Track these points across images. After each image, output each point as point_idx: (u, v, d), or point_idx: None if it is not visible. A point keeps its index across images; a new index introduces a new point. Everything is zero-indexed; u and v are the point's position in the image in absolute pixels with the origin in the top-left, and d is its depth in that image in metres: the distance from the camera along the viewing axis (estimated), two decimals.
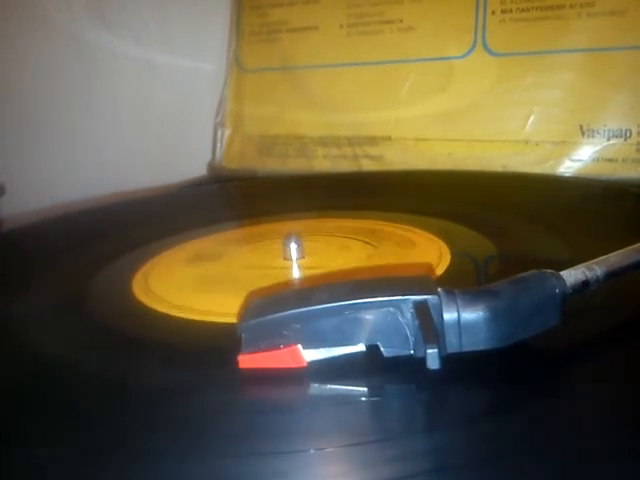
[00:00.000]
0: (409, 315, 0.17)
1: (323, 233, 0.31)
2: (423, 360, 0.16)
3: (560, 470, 0.13)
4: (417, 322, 0.17)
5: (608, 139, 0.39)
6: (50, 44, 0.56)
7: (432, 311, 0.17)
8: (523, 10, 0.42)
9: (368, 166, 0.47)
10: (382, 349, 0.17)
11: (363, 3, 0.47)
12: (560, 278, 0.18)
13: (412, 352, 0.17)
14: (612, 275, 0.18)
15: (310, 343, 0.17)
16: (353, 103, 0.47)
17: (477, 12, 0.43)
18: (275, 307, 0.18)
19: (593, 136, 0.40)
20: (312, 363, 0.17)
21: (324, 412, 0.16)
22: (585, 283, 0.18)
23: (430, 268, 0.25)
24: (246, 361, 0.18)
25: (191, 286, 0.26)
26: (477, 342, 0.17)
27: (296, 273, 0.26)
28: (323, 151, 0.48)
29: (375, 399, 0.17)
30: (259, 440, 0.15)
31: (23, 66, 0.57)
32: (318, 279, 0.25)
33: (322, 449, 0.15)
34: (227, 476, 0.14)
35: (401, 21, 0.46)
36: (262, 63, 0.51)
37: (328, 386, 0.17)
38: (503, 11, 0.42)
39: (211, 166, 0.54)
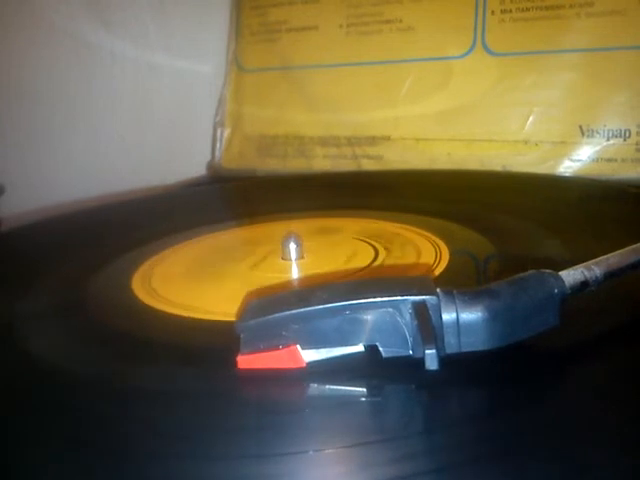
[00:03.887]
0: (408, 316, 0.17)
1: (322, 233, 0.31)
2: (422, 361, 0.16)
3: (559, 470, 0.13)
4: (416, 323, 0.17)
5: (608, 139, 0.39)
6: (50, 44, 0.56)
7: (431, 312, 0.17)
8: (522, 10, 0.42)
9: (367, 166, 0.47)
10: (381, 349, 0.17)
11: (363, 3, 0.47)
12: (559, 278, 0.18)
13: (411, 353, 0.17)
14: (611, 275, 0.18)
15: (309, 343, 0.17)
16: (352, 103, 0.47)
17: (477, 12, 0.43)
18: (274, 307, 0.18)
19: (593, 136, 0.40)
20: (311, 363, 0.17)
21: (323, 413, 0.16)
22: (584, 283, 0.18)
23: (429, 268, 0.25)
24: (245, 361, 0.18)
25: (191, 286, 0.26)
26: (476, 342, 0.17)
27: (295, 273, 0.26)
28: (322, 151, 0.48)
29: (374, 400, 0.17)
30: (258, 441, 0.15)
31: (23, 66, 0.57)
32: (317, 279, 0.25)
33: (321, 450, 0.15)
34: (226, 477, 0.14)
35: (401, 21, 0.46)
36: (262, 63, 0.51)
37: (327, 386, 0.17)
38: (502, 11, 0.42)
39: (210, 166, 0.54)
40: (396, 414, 0.16)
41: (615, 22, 0.39)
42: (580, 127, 0.40)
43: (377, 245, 0.28)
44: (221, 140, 0.53)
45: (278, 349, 0.17)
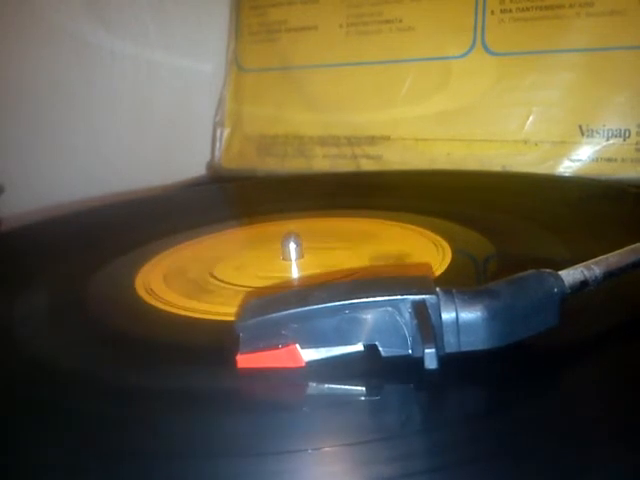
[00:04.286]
0: (407, 315, 0.17)
1: (322, 233, 0.31)
2: (421, 360, 0.16)
3: (559, 470, 0.13)
4: (415, 322, 0.17)
5: (607, 139, 0.39)
6: (50, 44, 0.56)
7: (430, 311, 0.17)
8: (522, 10, 0.42)
9: (367, 166, 0.47)
10: (380, 349, 0.17)
11: (362, 3, 0.47)
12: (558, 278, 0.18)
13: (410, 352, 0.17)
14: (611, 275, 0.18)
15: (308, 343, 0.17)
16: (352, 103, 0.47)
17: (476, 12, 0.43)
18: (273, 307, 0.18)
19: (592, 136, 0.40)
20: (310, 363, 0.17)
21: (322, 412, 0.16)
22: (584, 283, 0.18)
23: (429, 268, 0.25)
24: (244, 361, 0.18)
25: (190, 286, 0.26)
26: (475, 342, 0.17)
27: (295, 273, 0.26)
28: (322, 151, 0.48)
29: (373, 399, 0.17)
30: (257, 440, 0.15)
31: (23, 66, 0.57)
32: (317, 279, 0.25)
33: (320, 449, 0.15)
34: (225, 476, 0.14)
35: (400, 21, 0.46)
36: (261, 63, 0.51)
37: (326, 386, 0.17)
38: (502, 11, 0.42)
39: (210, 166, 0.54)
40: (395, 413, 0.16)
41: (615, 22, 0.39)
42: (580, 127, 0.40)
43: (376, 245, 0.28)
44: (221, 140, 0.53)
45: (277, 348, 0.17)
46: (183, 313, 0.23)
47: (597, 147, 0.39)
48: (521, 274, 0.18)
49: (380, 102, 0.46)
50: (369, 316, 0.17)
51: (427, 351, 0.16)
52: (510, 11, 0.42)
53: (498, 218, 0.31)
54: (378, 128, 0.46)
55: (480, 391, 0.17)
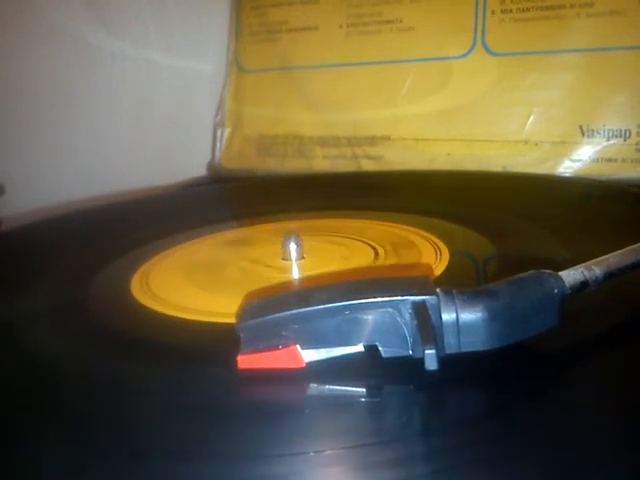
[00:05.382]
0: (407, 316, 0.17)
1: (322, 233, 0.31)
2: (421, 361, 0.16)
3: (559, 471, 0.13)
4: (415, 323, 0.17)
5: (608, 139, 0.39)
6: (50, 44, 0.56)
7: (430, 312, 0.17)
8: (523, 10, 0.42)
9: (367, 166, 0.47)
10: (380, 350, 0.17)
11: (362, 3, 0.47)
12: (559, 278, 0.18)
13: (410, 353, 0.17)
14: (611, 276, 0.18)
15: (309, 343, 0.17)
16: (352, 103, 0.47)
17: (477, 12, 0.43)
18: (274, 307, 0.18)
19: (593, 136, 0.40)
20: (311, 363, 0.17)
21: (323, 413, 0.16)
22: (584, 284, 0.18)
23: (429, 268, 0.25)
24: (245, 361, 0.18)
25: (190, 286, 0.26)
26: (475, 343, 0.17)
27: (295, 274, 0.26)
28: (322, 151, 0.48)
29: (374, 400, 0.17)
30: (258, 442, 0.15)
31: (23, 66, 0.57)
32: (317, 279, 0.25)
33: (321, 451, 0.15)
34: (226, 477, 0.14)
35: (401, 21, 0.46)
36: (261, 63, 0.51)
37: (327, 387, 0.17)
38: (503, 11, 0.42)
39: (210, 166, 0.54)
40: (396, 414, 0.16)
41: (615, 22, 0.39)
42: (580, 127, 0.40)
43: (377, 246, 0.28)
44: (221, 140, 0.53)
45: (278, 349, 0.17)
46: (182, 314, 0.23)
47: (597, 147, 0.39)
48: (521, 275, 0.18)
49: (380, 102, 0.46)
50: (369, 317, 0.17)
51: (427, 352, 0.16)
52: (510, 11, 0.42)
53: (498, 218, 0.31)
54: (378, 128, 0.46)
55: (480, 392, 0.17)
